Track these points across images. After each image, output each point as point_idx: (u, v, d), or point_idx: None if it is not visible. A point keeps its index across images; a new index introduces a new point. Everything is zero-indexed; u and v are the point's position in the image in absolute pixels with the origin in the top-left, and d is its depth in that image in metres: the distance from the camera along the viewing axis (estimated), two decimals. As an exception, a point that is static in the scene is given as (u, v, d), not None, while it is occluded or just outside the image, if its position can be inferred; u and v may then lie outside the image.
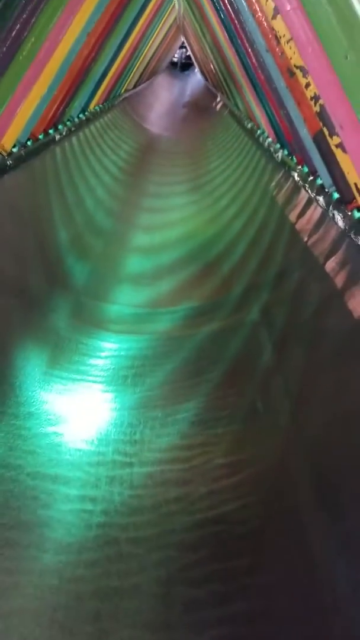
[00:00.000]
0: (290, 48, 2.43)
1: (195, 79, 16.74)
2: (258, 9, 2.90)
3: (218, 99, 10.69)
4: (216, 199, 5.59)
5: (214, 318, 3.37)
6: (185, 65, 19.90)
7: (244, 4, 3.27)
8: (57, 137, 5.16)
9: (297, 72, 2.54)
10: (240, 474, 2.15)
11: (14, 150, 4.04)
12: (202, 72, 14.23)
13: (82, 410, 2.59)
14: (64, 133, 5.39)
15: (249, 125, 6.49)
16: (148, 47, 9.39)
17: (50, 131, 5.02)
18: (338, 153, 2.52)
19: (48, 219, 4.21)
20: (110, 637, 1.64)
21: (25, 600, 1.73)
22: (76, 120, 6.02)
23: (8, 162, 3.86)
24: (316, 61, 1.96)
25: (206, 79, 13.20)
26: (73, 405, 2.61)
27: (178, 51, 19.79)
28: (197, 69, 16.43)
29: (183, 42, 17.80)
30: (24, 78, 3.25)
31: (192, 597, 1.72)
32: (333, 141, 2.49)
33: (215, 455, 2.28)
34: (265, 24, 2.86)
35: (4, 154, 3.85)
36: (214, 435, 2.41)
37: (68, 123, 5.65)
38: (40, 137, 4.69)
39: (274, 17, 2.56)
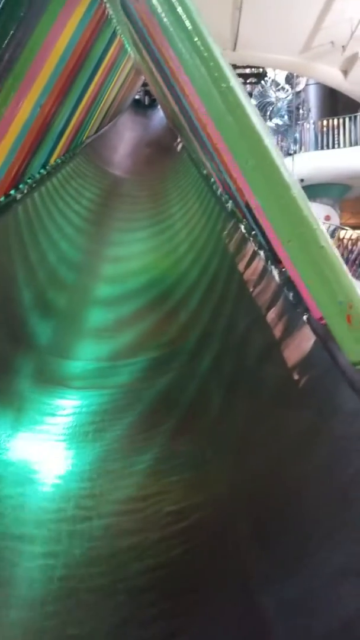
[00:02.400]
0: (214, 138, 2.73)
1: (159, 115, 17.20)
2: (187, 94, 3.22)
3: (179, 139, 11.09)
4: (175, 246, 5.88)
5: (169, 368, 3.62)
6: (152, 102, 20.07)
7: (177, 86, 3.59)
8: (19, 196, 5.43)
9: (222, 154, 2.85)
10: (187, 519, 2.39)
11: (-23, 216, 4.30)
12: (163, 111, 14.68)
13: (45, 468, 2.81)
14: (25, 191, 5.66)
15: (204, 172, 6.83)
16: (107, 95, 9.76)
17: (12, 192, 5.29)
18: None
19: (11, 279, 4.45)
20: None
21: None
22: (37, 176, 6.30)
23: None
24: (228, 158, 2.26)
25: (167, 117, 13.63)
26: (37, 464, 2.83)
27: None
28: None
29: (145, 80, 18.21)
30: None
31: (143, 636, 1.95)
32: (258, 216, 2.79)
33: (166, 503, 2.51)
34: (194, 110, 3.17)
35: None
36: (167, 484, 2.65)
37: (29, 181, 5.92)
38: (1, 199, 4.96)
39: (197, 110, 2.87)
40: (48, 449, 2.94)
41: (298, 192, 1.98)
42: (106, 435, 3.07)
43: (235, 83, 2.03)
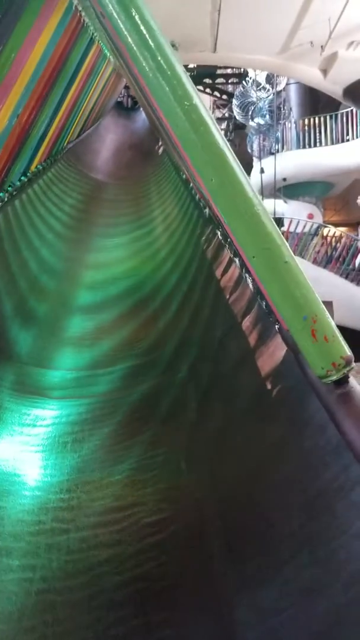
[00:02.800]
0: (181, 151, 2.76)
1: (141, 117, 17.19)
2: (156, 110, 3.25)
3: (160, 143, 11.11)
4: (154, 252, 5.91)
5: (147, 377, 3.66)
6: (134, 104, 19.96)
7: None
8: (-1, 204, 5.44)
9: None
10: (163, 531, 2.42)
11: None
12: (146, 114, 14.69)
13: (23, 480, 2.84)
14: (5, 199, 5.67)
15: (184, 177, 6.86)
16: (87, 99, 9.76)
17: (-9, 201, 5.30)
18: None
19: (-9, 290, 4.47)
20: None
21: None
22: (17, 183, 6.30)
23: None
24: (195, 174, 2.29)
25: (149, 121, 13.64)
26: (15, 476, 2.85)
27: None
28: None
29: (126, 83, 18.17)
30: None
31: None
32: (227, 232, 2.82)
33: (143, 514, 2.55)
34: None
35: None
36: (143, 494, 2.68)
37: (9, 188, 5.93)
38: (-19, 209, 4.97)
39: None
40: (26, 460, 2.96)
41: (262, 209, 2.02)
42: (85, 445, 3.10)
43: (198, 101, 2.06)
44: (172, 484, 2.69)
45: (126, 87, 19.69)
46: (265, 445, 2.46)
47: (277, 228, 2.03)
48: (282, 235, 2.04)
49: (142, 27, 2.09)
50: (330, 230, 16.47)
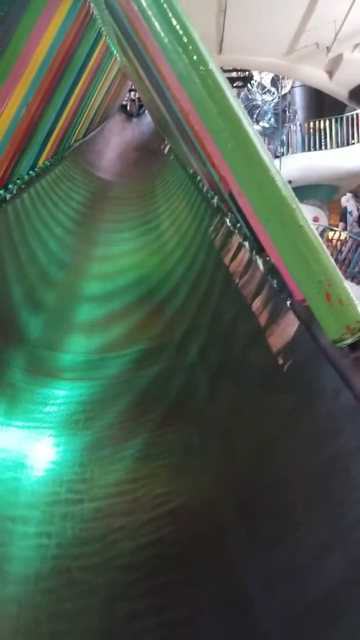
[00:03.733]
0: (195, 124, 2.80)
1: (146, 120, 17.28)
2: (169, 85, 3.28)
3: (166, 142, 11.17)
4: (162, 244, 5.94)
5: (158, 360, 3.68)
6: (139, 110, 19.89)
7: (160, 79, 3.66)
8: (8, 196, 5.48)
9: (204, 141, 2.91)
10: (175, 500, 2.44)
11: (-34, 215, 4.34)
12: (151, 116, 14.77)
13: (38, 455, 2.86)
14: (14, 192, 5.70)
15: (191, 171, 6.90)
16: (94, 98, 9.83)
17: (1, 191, 5.33)
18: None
19: (2, 276, 4.49)
20: (63, 652, 1.90)
21: (-12, 628, 1.99)
22: (26, 177, 6.35)
23: None
24: (209, 143, 2.32)
25: (154, 122, 13.72)
26: (30, 451, 2.88)
27: (132, 95, 19.92)
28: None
29: (132, 85, 18.22)
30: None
31: (134, 610, 1.99)
32: (240, 201, 2.85)
33: (155, 486, 2.57)
34: (176, 100, 3.24)
35: None
36: (155, 467, 2.70)
37: (18, 181, 5.97)
38: (-9, 199, 5.00)
39: (179, 99, 2.93)
40: (40, 436, 2.99)
41: (276, 173, 2.04)
42: (96, 423, 3.12)
43: (214, 66, 2.09)
44: (184, 457, 2.71)
45: (131, 91, 19.80)
46: (278, 417, 2.47)
47: (292, 192, 2.05)
48: (296, 200, 2.06)
49: (158, -5, 2.12)
50: (336, 234, 16.48)
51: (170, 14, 2.10)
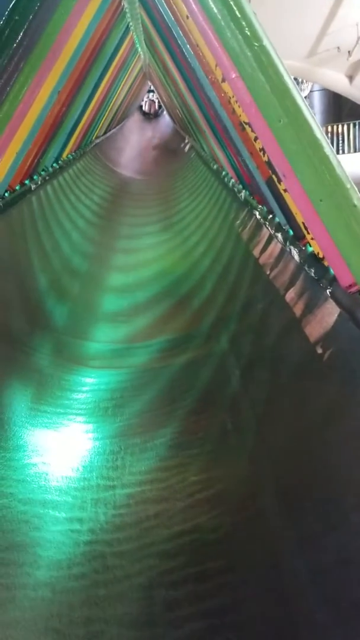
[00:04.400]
0: (239, 107, 2.74)
1: (165, 121, 17.26)
2: (210, 71, 3.23)
3: (186, 140, 11.13)
4: (186, 237, 5.89)
5: (185, 349, 3.61)
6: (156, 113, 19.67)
7: (198, 65, 3.61)
8: (33, 186, 5.45)
9: (247, 127, 2.86)
10: (211, 489, 2.37)
11: (-7, 201, 4.31)
12: (170, 115, 14.75)
13: (66, 440, 2.80)
14: (39, 182, 5.68)
15: (215, 167, 6.85)
16: (116, 95, 9.82)
17: (26, 182, 5.30)
18: (287, 196, 2.82)
19: (28, 265, 4.46)
20: (100, 638, 1.84)
21: (22, 611, 1.93)
22: (50, 169, 6.33)
23: (-12, 213, 4.13)
24: (258, 122, 2.26)
25: (174, 122, 13.69)
26: (58, 436, 2.82)
27: (150, 96, 19.83)
28: (165, 112, 16.94)
29: (151, 86, 18.17)
30: (1, 138, 3.54)
31: (172, 597, 1.93)
32: (281, 186, 2.79)
33: (189, 474, 2.50)
34: (217, 84, 3.19)
35: (-16, 206, 4.12)
36: (189, 455, 2.63)
37: (42, 172, 5.95)
38: (17, 188, 4.97)
39: (223, 81, 2.88)
40: (69, 421, 2.93)
41: (331, 151, 1.98)
42: (125, 410, 3.06)
43: (268, 42, 2.03)
44: (219, 445, 2.64)
45: (150, 91, 19.76)
46: (320, 405, 2.41)
47: (345, 171, 1.99)
48: (350, 179, 2.00)
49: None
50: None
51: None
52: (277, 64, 2.02)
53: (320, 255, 2.73)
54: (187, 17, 2.85)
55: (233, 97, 2.76)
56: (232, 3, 2.05)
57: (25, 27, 3.23)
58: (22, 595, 1.97)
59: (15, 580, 2.02)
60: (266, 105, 2.07)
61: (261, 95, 2.06)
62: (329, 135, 18.54)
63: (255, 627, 1.81)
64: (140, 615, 1.90)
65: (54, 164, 6.60)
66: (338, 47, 13.81)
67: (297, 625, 1.77)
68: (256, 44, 2.02)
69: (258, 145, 2.84)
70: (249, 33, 2.03)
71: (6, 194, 4.64)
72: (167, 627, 1.85)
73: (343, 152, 18.19)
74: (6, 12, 2.84)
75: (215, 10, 2.10)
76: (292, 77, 1.96)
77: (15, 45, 3.09)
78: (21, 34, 3.22)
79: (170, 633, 1.83)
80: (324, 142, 1.98)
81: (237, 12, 2.05)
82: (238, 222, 4.95)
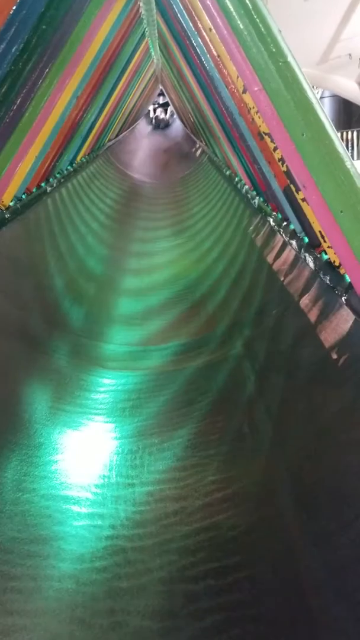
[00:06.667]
0: (259, 117, 2.82)
1: (175, 124, 17.35)
2: (230, 82, 3.31)
3: (197, 145, 11.21)
4: (199, 242, 5.97)
5: (200, 353, 3.69)
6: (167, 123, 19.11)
7: (218, 75, 3.70)
8: (49, 189, 5.55)
9: (266, 137, 2.94)
10: (229, 488, 2.45)
11: (11, 204, 4.40)
12: (181, 119, 14.84)
13: (86, 439, 2.89)
14: (54, 185, 5.78)
15: (227, 173, 6.93)
16: (129, 100, 9.92)
17: (42, 184, 5.40)
18: (304, 206, 2.90)
19: (44, 267, 4.55)
20: (123, 628, 1.92)
21: (47, 601, 2.01)
22: (65, 171, 6.43)
23: (6, 216, 4.21)
24: (279, 134, 2.34)
25: (185, 126, 13.78)
26: (78, 435, 2.90)
27: (160, 100, 19.55)
28: (176, 116, 17.02)
29: (161, 90, 18.13)
30: (23, 143, 3.63)
31: (192, 591, 2.00)
32: (299, 195, 2.87)
33: (207, 473, 2.58)
34: (237, 95, 3.27)
35: (3, 208, 4.20)
36: (206, 456, 2.71)
37: (58, 175, 6.05)
38: (34, 190, 5.07)
39: (244, 92, 2.96)
40: (88, 421, 3.01)
41: (352, 165, 2.06)
42: (143, 411, 3.14)
43: (292, 58, 2.11)
44: (236, 445, 2.72)
45: (160, 94, 19.74)
46: (335, 409, 2.48)
47: (366, 184, 2.07)
48: (370, 192, 2.08)
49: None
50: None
51: (250, 7, 2.13)
52: (301, 80, 2.10)
53: (337, 264, 2.80)
54: (210, 30, 2.94)
55: (254, 107, 2.84)
56: (257, 20, 2.13)
57: (51, 36, 3.33)
58: (48, 586, 2.05)
59: (41, 572, 2.10)
60: (289, 120, 2.15)
61: (285, 110, 2.14)
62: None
63: (273, 620, 1.88)
64: (161, 607, 1.97)
65: (69, 167, 6.70)
66: (350, 54, 13.86)
67: (314, 619, 1.85)
68: (281, 60, 2.10)
69: (277, 155, 2.92)
70: (274, 50, 2.11)
71: (23, 196, 4.73)
72: (188, 619, 1.92)
73: (353, 159, 18.22)
74: (33, 21, 2.93)
75: (241, 25, 2.18)
76: (316, 95, 2.04)
77: (41, 53, 3.18)
78: (47, 43, 3.31)
79: (190, 624, 1.90)
80: (346, 156, 2.06)
81: (262, 29, 2.13)
82: (251, 228, 5.03)
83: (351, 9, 11.71)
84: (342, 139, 18.34)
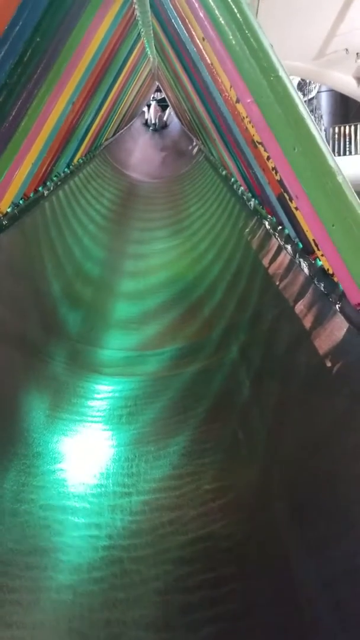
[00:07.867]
0: (252, 127, 2.84)
1: (173, 123, 17.27)
2: (224, 89, 3.32)
3: (194, 143, 11.21)
4: (195, 244, 5.98)
5: (196, 358, 3.71)
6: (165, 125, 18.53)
7: (212, 82, 3.70)
8: (46, 192, 5.56)
9: (259, 146, 2.95)
10: (224, 497, 2.47)
11: (9, 210, 4.41)
12: (177, 116, 14.81)
13: (83, 447, 2.91)
14: (51, 188, 5.79)
15: (224, 173, 6.93)
16: (126, 98, 9.91)
17: (40, 188, 5.41)
18: (297, 214, 2.92)
19: (41, 272, 4.56)
20: (119, 639, 1.95)
21: (45, 614, 2.04)
22: (62, 174, 6.44)
23: (4, 222, 4.22)
24: (272, 145, 2.36)
25: (182, 123, 13.76)
26: (75, 443, 2.93)
27: (156, 96, 19.23)
28: (173, 112, 16.95)
29: (158, 86, 17.96)
30: (19, 151, 3.64)
31: (187, 601, 2.03)
32: (293, 204, 2.88)
33: (202, 482, 2.60)
34: (231, 103, 3.28)
35: (0, 215, 4.22)
36: (202, 464, 2.73)
37: (54, 178, 6.05)
38: (31, 195, 5.07)
39: (237, 102, 2.97)
40: (85, 428, 3.04)
41: (343, 179, 2.08)
42: (139, 418, 3.16)
43: (284, 73, 2.13)
44: (231, 454, 2.74)
45: (157, 91, 19.66)
46: (330, 417, 2.50)
47: (357, 198, 2.09)
48: (360, 205, 2.09)
49: (230, 1, 2.17)
50: None
51: (242, 22, 2.14)
52: (292, 94, 2.11)
53: (330, 272, 2.82)
54: (204, 40, 2.95)
55: (247, 117, 2.85)
56: (249, 35, 2.15)
57: (46, 47, 3.33)
58: (46, 598, 2.08)
59: (39, 584, 2.13)
60: (281, 133, 2.16)
61: (276, 124, 2.16)
62: (336, 136, 18.59)
63: (267, 632, 1.91)
64: (157, 619, 2.01)
65: (65, 169, 6.70)
66: (346, 49, 13.85)
67: (307, 631, 1.87)
68: (272, 74, 2.12)
69: (270, 164, 2.93)
70: (265, 64, 2.13)
71: (21, 202, 4.74)
72: (183, 630, 1.95)
73: (350, 154, 18.21)
74: (28, 35, 2.94)
75: (233, 40, 2.19)
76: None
77: (35, 64, 3.19)
78: (42, 55, 3.32)
79: (186, 636, 1.93)
80: (337, 170, 2.08)
81: (254, 44, 2.14)
82: (247, 230, 5.04)
83: (347, 3, 11.69)
84: (340, 134, 18.34)
